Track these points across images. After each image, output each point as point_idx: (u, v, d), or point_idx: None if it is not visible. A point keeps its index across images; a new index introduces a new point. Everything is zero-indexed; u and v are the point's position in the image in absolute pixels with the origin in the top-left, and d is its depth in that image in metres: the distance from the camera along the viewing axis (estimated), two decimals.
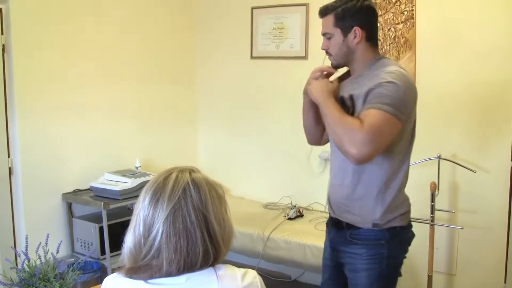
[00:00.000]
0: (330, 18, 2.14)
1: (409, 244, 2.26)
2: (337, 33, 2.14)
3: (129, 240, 1.37)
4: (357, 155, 1.95)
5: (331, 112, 2.07)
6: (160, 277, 1.32)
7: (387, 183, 2.13)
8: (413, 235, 2.27)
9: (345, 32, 2.12)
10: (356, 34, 2.11)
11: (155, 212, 1.34)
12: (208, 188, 1.40)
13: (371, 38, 2.16)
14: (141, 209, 1.36)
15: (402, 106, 2.00)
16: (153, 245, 1.33)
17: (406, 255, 2.26)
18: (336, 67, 2.25)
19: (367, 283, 2.18)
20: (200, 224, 1.34)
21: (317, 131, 2.43)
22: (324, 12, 2.17)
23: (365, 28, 2.12)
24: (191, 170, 1.42)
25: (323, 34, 2.20)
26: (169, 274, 1.32)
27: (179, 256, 1.32)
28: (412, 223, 3.20)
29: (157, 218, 1.33)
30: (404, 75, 2.06)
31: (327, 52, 2.23)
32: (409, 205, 2.25)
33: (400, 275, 2.26)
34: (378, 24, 3.71)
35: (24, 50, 3.47)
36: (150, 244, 1.33)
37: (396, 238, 2.16)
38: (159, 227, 1.32)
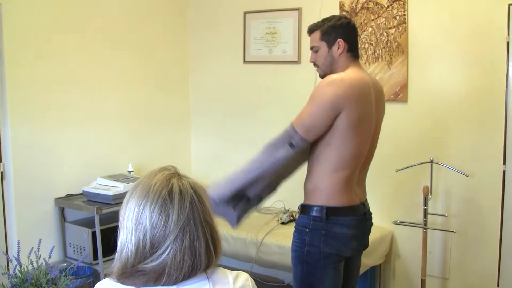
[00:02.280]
0: (317, 33, 2.47)
1: (342, 240, 2.37)
2: (323, 46, 2.45)
3: (126, 246, 1.33)
4: None
5: (245, 172, 2.36)
6: (155, 286, 1.31)
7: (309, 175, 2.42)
8: (349, 233, 2.38)
9: (330, 44, 2.43)
10: (340, 45, 2.41)
11: (165, 231, 1.30)
12: (204, 193, 1.40)
13: (352, 49, 2.44)
14: (149, 225, 1.31)
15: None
16: (157, 259, 1.30)
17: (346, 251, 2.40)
18: (322, 77, 2.46)
19: (292, 264, 2.48)
20: (206, 237, 1.34)
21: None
22: (312, 29, 2.50)
23: (347, 41, 2.42)
24: (179, 174, 1.40)
25: (311, 48, 2.51)
26: (164, 284, 1.31)
27: (180, 272, 1.30)
28: (406, 226, 3.24)
29: (167, 238, 1.30)
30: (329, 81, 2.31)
31: (314, 64, 2.53)
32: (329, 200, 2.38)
33: (329, 267, 2.38)
34: (370, 29, 3.73)
35: (16, 54, 3.46)
36: (154, 258, 1.30)
37: (318, 228, 2.35)
38: (168, 245, 1.30)
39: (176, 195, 1.34)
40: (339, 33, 2.41)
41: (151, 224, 1.31)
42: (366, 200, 2.57)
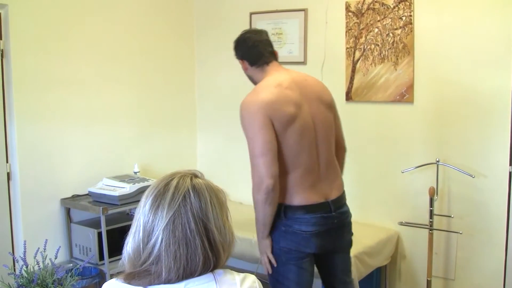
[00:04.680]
0: None
1: (301, 237, 2.45)
2: (242, 68, 2.70)
3: (129, 245, 1.36)
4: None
5: (261, 225, 2.46)
6: (159, 284, 1.32)
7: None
8: (308, 230, 2.45)
9: (242, 65, 2.67)
10: (242, 65, 2.65)
11: (155, 219, 1.33)
12: (209, 195, 1.39)
13: (254, 63, 2.60)
14: (141, 215, 1.36)
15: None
16: (152, 252, 1.32)
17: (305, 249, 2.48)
18: None
19: None
20: (200, 232, 1.34)
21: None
22: None
23: (244, 58, 2.62)
24: (193, 175, 1.41)
25: None
26: (168, 281, 1.32)
27: (178, 264, 1.31)
28: (411, 227, 3.25)
29: (157, 226, 1.32)
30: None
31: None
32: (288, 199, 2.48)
33: (290, 263, 2.48)
34: (376, 29, 3.72)
35: (22, 55, 3.47)
36: (149, 251, 1.32)
37: (279, 225, 2.47)
38: (158, 234, 1.32)
39: (171, 188, 1.36)
40: (238, 54, 2.66)
41: (144, 215, 1.35)
42: (340, 196, 2.59)
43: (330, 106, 2.61)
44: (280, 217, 2.45)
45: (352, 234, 2.71)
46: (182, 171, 1.43)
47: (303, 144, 2.44)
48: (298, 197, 2.45)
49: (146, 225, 1.34)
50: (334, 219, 2.51)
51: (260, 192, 2.34)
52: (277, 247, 2.48)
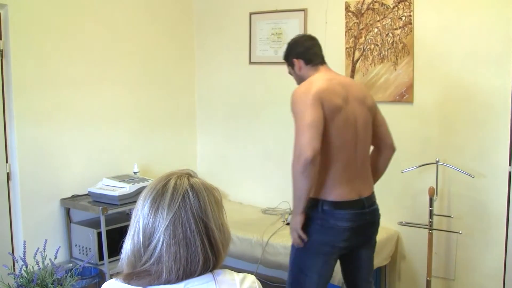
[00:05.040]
0: (285, 63, 2.88)
1: (337, 232, 2.56)
2: (289, 68, 2.86)
3: (128, 246, 1.36)
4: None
5: (296, 198, 2.54)
6: (159, 284, 1.32)
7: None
8: (343, 225, 2.56)
9: (291, 65, 2.82)
10: (296, 63, 2.78)
11: (155, 221, 1.33)
12: (207, 194, 1.39)
13: (309, 61, 2.76)
14: (141, 216, 1.35)
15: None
16: (153, 254, 1.31)
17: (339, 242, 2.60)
18: None
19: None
20: (200, 231, 1.34)
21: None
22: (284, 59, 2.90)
23: (300, 57, 2.76)
24: (189, 175, 1.41)
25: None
26: (168, 282, 1.32)
27: (179, 264, 1.31)
28: (411, 227, 3.26)
29: (158, 227, 1.32)
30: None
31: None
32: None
33: (320, 256, 2.60)
34: (376, 29, 3.72)
35: (22, 56, 3.47)
36: (150, 253, 1.32)
37: (315, 218, 2.58)
38: (159, 236, 1.31)
39: (170, 189, 1.36)
40: (293, 53, 2.80)
41: (143, 217, 1.34)
42: (371, 194, 2.71)
43: (371, 109, 2.75)
44: (317, 211, 2.57)
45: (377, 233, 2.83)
46: (176, 171, 1.43)
47: (345, 137, 2.57)
48: (335, 193, 2.56)
49: (146, 228, 1.33)
50: (367, 215, 2.64)
51: (299, 164, 2.42)
52: (311, 240, 2.58)
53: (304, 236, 2.57)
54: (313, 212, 2.58)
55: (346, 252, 2.69)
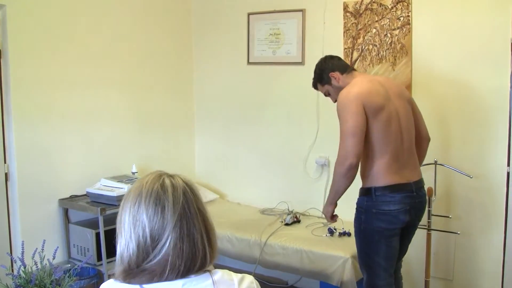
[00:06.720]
0: (318, 85, 3.07)
1: (391, 216, 2.76)
2: (328, 88, 3.02)
3: (127, 246, 1.34)
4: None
5: (334, 191, 2.84)
6: (159, 281, 1.32)
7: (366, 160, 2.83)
8: (396, 208, 2.76)
9: (329, 82, 2.99)
10: (334, 76, 2.96)
11: (164, 222, 1.33)
12: (196, 189, 1.43)
13: (343, 71, 2.96)
14: (146, 220, 1.33)
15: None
16: (160, 253, 1.31)
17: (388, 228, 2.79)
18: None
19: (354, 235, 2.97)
20: (200, 226, 1.36)
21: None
22: (314, 86, 3.12)
23: (336, 69, 2.96)
24: (174, 174, 1.43)
25: (325, 95, 3.11)
26: (167, 279, 1.32)
27: (181, 260, 1.32)
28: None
29: (166, 228, 1.32)
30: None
31: (335, 100, 2.95)
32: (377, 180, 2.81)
33: (381, 241, 2.80)
34: (374, 30, 3.73)
35: (20, 56, 3.47)
36: (156, 252, 1.32)
37: (370, 207, 2.80)
38: (168, 235, 1.32)
39: (169, 187, 1.37)
40: (327, 70, 2.98)
41: (148, 218, 1.34)
42: (419, 179, 2.90)
43: (409, 101, 2.98)
44: (371, 200, 2.78)
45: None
46: (157, 172, 1.44)
47: (390, 131, 2.77)
48: (385, 179, 2.76)
49: (153, 229, 1.32)
50: (415, 198, 2.83)
51: (343, 167, 2.69)
52: (370, 228, 2.81)
53: (331, 220, 2.97)
54: (367, 200, 2.80)
55: (402, 230, 2.88)
